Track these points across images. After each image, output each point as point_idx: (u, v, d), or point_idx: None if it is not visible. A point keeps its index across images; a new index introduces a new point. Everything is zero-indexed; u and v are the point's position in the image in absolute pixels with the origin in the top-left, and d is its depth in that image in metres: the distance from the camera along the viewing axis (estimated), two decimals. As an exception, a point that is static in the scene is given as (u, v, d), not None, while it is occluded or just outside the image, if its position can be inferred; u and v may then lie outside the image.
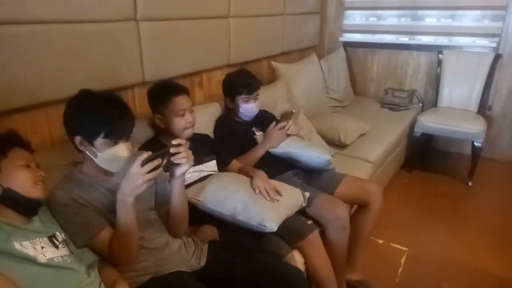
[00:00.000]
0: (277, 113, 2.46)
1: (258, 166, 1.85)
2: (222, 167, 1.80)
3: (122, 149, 1.21)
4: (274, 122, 1.96)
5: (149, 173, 1.10)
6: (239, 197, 1.48)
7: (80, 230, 1.18)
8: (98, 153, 1.20)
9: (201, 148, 1.75)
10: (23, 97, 1.44)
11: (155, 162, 1.11)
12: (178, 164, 1.22)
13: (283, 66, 2.84)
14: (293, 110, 2.04)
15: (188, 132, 1.65)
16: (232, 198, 1.48)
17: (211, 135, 1.97)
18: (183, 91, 1.65)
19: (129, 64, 1.85)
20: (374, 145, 2.62)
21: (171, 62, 2.08)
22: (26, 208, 1.13)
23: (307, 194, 1.65)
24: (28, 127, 1.52)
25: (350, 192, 1.90)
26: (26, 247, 1.04)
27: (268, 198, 1.50)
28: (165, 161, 1.15)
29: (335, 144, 2.56)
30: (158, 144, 1.66)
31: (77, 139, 1.21)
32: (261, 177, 1.61)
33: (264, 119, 2.13)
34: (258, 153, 1.91)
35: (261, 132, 2.05)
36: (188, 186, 1.58)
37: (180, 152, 1.19)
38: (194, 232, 1.49)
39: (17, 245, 1.03)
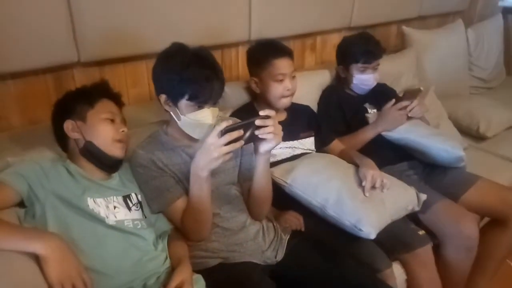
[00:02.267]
0: (399, 89, 2.05)
1: (364, 150, 1.54)
2: (321, 146, 1.54)
3: (206, 115, 1.07)
4: (394, 100, 1.59)
5: (227, 146, 0.93)
6: (333, 187, 1.21)
7: (156, 195, 1.10)
8: (181, 116, 1.08)
9: (299, 121, 1.51)
10: (125, 47, 1.40)
11: (235, 134, 0.92)
12: (263, 139, 1.02)
13: (417, 32, 2.34)
14: (421, 88, 1.63)
15: (286, 101, 1.43)
16: (326, 186, 1.22)
17: (314, 107, 1.71)
18: (285, 53, 1.41)
19: (236, 19, 1.68)
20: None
21: (282, 20, 1.84)
22: (106, 164, 1.09)
23: (424, 196, 1.29)
24: (128, 79, 1.50)
25: (484, 200, 1.47)
26: (99, 204, 1.02)
27: (374, 193, 1.20)
28: (248, 133, 0.96)
29: (471, 134, 2.05)
30: (252, 111, 1.47)
31: (162, 97, 1.10)
32: (372, 166, 1.30)
33: (381, 95, 1.77)
34: (367, 135, 1.59)
35: (374, 110, 1.71)
36: (276, 163, 1.37)
37: (267, 126, 0.98)
38: (277, 216, 1.30)
39: (90, 202, 1.01)
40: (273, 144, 1.03)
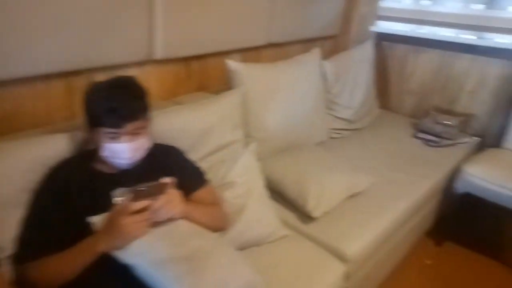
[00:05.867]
0: (207, 150, 1.50)
1: (82, 278, 0.94)
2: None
3: None
4: (122, 198, 0.99)
5: None
6: None
7: None
8: None
9: None
10: None
11: None
12: None
13: (246, 67, 1.78)
14: (167, 180, 1.05)
15: None
16: None
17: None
18: None
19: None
20: (370, 217, 1.53)
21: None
22: None
23: None
24: None
25: None
26: None
27: None
28: None
29: (301, 210, 1.52)
30: None
31: None
32: None
33: (160, 168, 1.18)
34: (81, 256, 0.97)
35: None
36: None
37: None
38: None
39: None
40: None
